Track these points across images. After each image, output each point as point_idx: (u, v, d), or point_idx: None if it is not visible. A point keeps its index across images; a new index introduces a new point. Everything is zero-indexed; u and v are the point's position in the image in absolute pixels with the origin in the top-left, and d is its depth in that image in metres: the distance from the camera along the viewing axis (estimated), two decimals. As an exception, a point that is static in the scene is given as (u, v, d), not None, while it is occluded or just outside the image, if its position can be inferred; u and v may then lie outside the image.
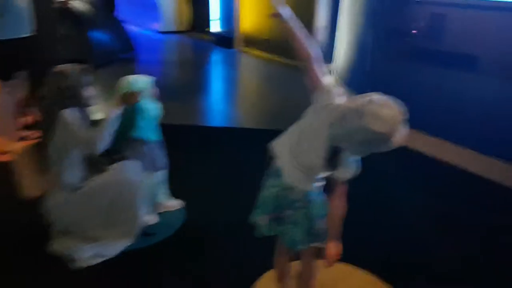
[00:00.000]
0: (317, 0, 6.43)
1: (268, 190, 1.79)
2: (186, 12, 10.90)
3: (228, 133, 4.55)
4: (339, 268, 2.27)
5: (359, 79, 4.85)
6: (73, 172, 2.44)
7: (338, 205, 1.68)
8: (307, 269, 1.88)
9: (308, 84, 1.70)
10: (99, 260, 2.40)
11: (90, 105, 2.47)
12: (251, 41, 8.78)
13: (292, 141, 1.73)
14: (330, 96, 1.62)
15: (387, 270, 2.36)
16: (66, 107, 2.34)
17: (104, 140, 2.32)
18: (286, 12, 1.74)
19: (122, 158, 2.56)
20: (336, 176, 1.65)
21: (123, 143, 2.57)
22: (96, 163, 2.53)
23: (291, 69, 7.46)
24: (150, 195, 2.66)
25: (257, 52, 8.58)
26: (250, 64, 8.06)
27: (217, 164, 3.65)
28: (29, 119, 4.30)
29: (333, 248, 1.71)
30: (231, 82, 7.20)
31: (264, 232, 1.83)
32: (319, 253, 1.81)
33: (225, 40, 9.16)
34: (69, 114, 2.32)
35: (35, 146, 2.47)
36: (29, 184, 2.48)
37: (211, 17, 9.68)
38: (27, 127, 4.14)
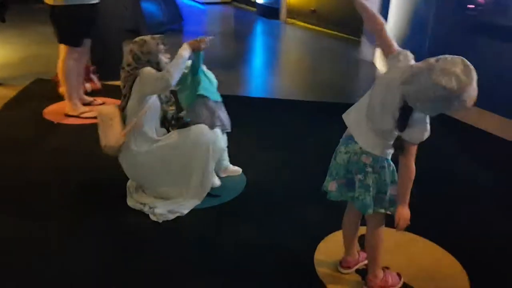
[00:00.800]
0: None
1: (340, 157, 1.89)
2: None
3: (277, 104, 4.64)
4: (400, 235, 2.38)
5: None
6: (148, 124, 2.64)
7: (408, 168, 1.74)
8: (374, 234, 1.97)
9: (382, 50, 1.84)
10: (174, 216, 2.58)
11: (162, 52, 2.68)
12: (297, 12, 8.74)
13: (365, 106, 1.83)
14: (403, 59, 1.73)
15: (448, 242, 2.43)
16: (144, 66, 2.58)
17: (176, 74, 2.55)
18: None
19: (191, 122, 2.73)
20: (407, 138, 1.71)
21: (190, 103, 2.78)
22: (167, 119, 2.77)
23: (339, 40, 7.44)
24: (218, 159, 2.82)
25: (303, 24, 8.55)
26: (297, 35, 8.07)
27: (268, 134, 3.78)
28: (92, 85, 4.53)
29: (404, 213, 1.78)
30: (280, 54, 7.25)
31: (335, 197, 1.93)
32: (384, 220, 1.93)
33: (270, 11, 9.15)
34: (150, 68, 2.57)
35: (118, 107, 2.67)
36: (108, 138, 2.66)
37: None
38: (89, 94, 4.38)
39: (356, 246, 2.18)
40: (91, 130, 3.69)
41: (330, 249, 2.32)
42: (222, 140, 2.85)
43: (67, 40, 3.69)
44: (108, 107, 2.77)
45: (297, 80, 5.77)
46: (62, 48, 3.74)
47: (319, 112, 4.38)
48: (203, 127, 2.69)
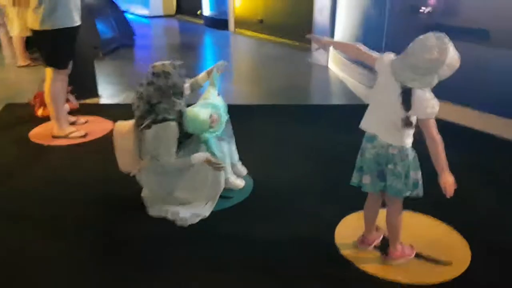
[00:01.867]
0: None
1: (369, 152, 2.19)
2: (173, -4, 11.06)
3: (245, 110, 4.86)
4: (419, 218, 2.74)
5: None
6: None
7: (434, 140, 2.02)
8: (396, 215, 2.29)
9: (368, 63, 2.23)
10: (198, 219, 2.77)
11: (187, 95, 2.83)
12: (244, 23, 9.07)
13: (377, 109, 2.18)
14: (386, 59, 2.10)
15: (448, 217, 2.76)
16: (164, 100, 2.66)
17: (175, 168, 2.78)
18: (325, 38, 2.43)
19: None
20: (422, 116, 2.02)
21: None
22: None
23: (289, 47, 7.83)
24: (229, 161, 3.05)
25: (251, 33, 8.89)
26: (247, 44, 8.37)
27: (251, 138, 4.05)
28: (70, 105, 4.55)
29: (448, 179, 2.03)
30: (234, 62, 7.50)
31: (369, 189, 2.23)
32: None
33: (218, 22, 9.42)
34: (173, 129, 2.66)
35: (134, 126, 2.76)
36: (128, 161, 2.81)
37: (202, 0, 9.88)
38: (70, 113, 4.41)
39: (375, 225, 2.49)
40: (83, 149, 3.80)
41: (346, 232, 2.63)
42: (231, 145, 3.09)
43: (55, 63, 3.74)
44: (127, 125, 2.80)
45: (256, 86, 5.99)
46: (49, 71, 3.78)
47: (290, 115, 4.69)
48: (200, 153, 2.82)
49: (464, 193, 2.97)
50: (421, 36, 1.96)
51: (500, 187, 3.20)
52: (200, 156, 2.76)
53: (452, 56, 1.93)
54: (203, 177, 2.85)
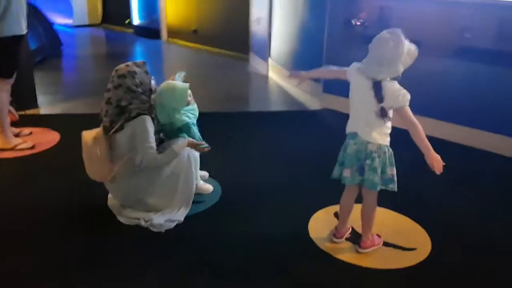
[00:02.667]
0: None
1: (350, 148, 2.38)
2: (99, 5, 10.72)
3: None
4: (383, 212, 2.93)
5: (305, 64, 5.60)
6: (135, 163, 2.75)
7: (413, 124, 2.24)
8: (371, 207, 2.51)
9: (343, 78, 2.48)
10: (174, 224, 2.78)
11: (154, 91, 2.81)
12: (178, 33, 9.06)
13: (355, 111, 2.41)
14: (352, 67, 2.40)
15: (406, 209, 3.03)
16: (134, 99, 2.66)
17: (160, 165, 2.78)
18: (302, 73, 2.72)
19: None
20: (397, 105, 2.25)
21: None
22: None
23: (226, 57, 7.94)
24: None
25: (185, 43, 8.90)
26: (183, 54, 8.36)
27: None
28: (10, 117, 4.31)
29: (434, 156, 2.22)
30: (170, 71, 7.47)
31: (349, 181, 2.42)
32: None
33: (149, 31, 9.31)
34: (147, 122, 2.66)
35: (103, 133, 2.71)
36: (99, 169, 2.75)
37: (131, 9, 9.70)
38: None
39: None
40: (32, 161, 3.66)
41: (318, 227, 2.80)
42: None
43: (3, 73, 3.56)
44: (93, 133, 2.74)
45: (195, 94, 6.03)
46: (-6, 81, 3.58)
47: (235, 121, 4.85)
48: (180, 139, 2.87)
49: (418, 189, 3.34)
50: (376, 36, 2.26)
51: (450, 183, 3.47)
52: (181, 142, 2.78)
53: (408, 46, 2.23)
54: (174, 183, 2.86)
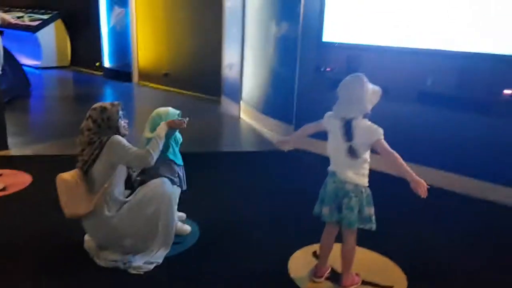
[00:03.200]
0: (224, 41, 7.22)
1: (330, 186, 2.47)
2: (68, 47, 10.74)
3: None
4: (360, 251, 2.96)
5: (277, 107, 5.77)
6: (118, 188, 2.79)
7: (390, 154, 2.34)
8: (351, 247, 2.55)
9: (322, 129, 2.61)
10: (153, 266, 2.75)
11: (125, 134, 2.84)
12: (149, 76, 9.15)
13: (334, 153, 2.51)
14: (327, 115, 2.54)
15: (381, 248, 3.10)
16: (107, 135, 2.71)
17: (156, 155, 2.75)
18: (287, 138, 2.92)
19: (154, 176, 2.94)
20: (371, 140, 2.36)
21: (159, 163, 2.94)
22: (131, 180, 2.94)
23: (198, 100, 8.04)
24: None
25: (157, 86, 8.97)
26: (154, 96, 8.40)
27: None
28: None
29: (418, 181, 2.28)
30: (141, 112, 7.49)
31: (328, 218, 2.49)
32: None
33: (120, 74, 9.36)
34: (120, 138, 2.73)
35: (79, 170, 2.73)
36: (75, 205, 2.70)
37: (103, 51, 9.76)
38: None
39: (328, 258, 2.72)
40: (4, 202, 3.59)
41: (298, 266, 2.83)
42: (177, 192, 3.12)
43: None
44: (69, 173, 2.75)
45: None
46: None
47: (209, 161, 4.90)
48: (161, 179, 2.89)
49: (394, 227, 3.42)
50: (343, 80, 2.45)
51: (426, 221, 3.62)
52: (162, 127, 2.86)
53: (372, 86, 2.42)
54: (155, 224, 2.84)
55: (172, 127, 2.92)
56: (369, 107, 2.41)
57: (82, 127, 2.76)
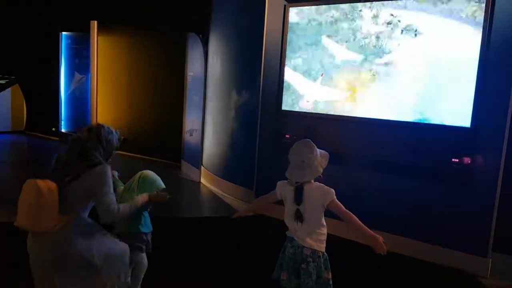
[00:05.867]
0: (185, 107, 7.39)
1: (288, 251, 2.54)
2: (23, 112, 10.60)
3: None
4: None
5: (238, 171, 5.87)
6: (84, 216, 2.58)
7: (346, 213, 2.45)
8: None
9: (277, 198, 2.71)
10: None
11: (114, 153, 2.76)
12: (107, 140, 9.07)
13: (288, 218, 2.60)
14: (280, 184, 2.66)
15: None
16: (97, 150, 2.58)
17: (124, 217, 2.65)
18: (248, 208, 2.96)
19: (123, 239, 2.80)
20: (324, 202, 2.47)
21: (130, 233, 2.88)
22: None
23: (157, 165, 7.99)
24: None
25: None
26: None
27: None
28: None
29: (375, 238, 2.38)
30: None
31: (286, 284, 2.51)
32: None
33: (77, 139, 9.24)
34: (108, 170, 2.55)
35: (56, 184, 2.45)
36: (47, 224, 2.42)
37: (61, 116, 9.68)
38: None
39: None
40: None
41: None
42: (145, 259, 3.04)
43: None
44: (45, 182, 2.42)
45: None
46: None
47: (168, 226, 4.88)
48: (119, 243, 2.71)
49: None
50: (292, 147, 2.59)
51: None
52: (144, 197, 2.78)
53: (320, 150, 2.55)
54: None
55: (153, 201, 2.85)
56: (320, 170, 2.53)
57: (77, 137, 2.58)
